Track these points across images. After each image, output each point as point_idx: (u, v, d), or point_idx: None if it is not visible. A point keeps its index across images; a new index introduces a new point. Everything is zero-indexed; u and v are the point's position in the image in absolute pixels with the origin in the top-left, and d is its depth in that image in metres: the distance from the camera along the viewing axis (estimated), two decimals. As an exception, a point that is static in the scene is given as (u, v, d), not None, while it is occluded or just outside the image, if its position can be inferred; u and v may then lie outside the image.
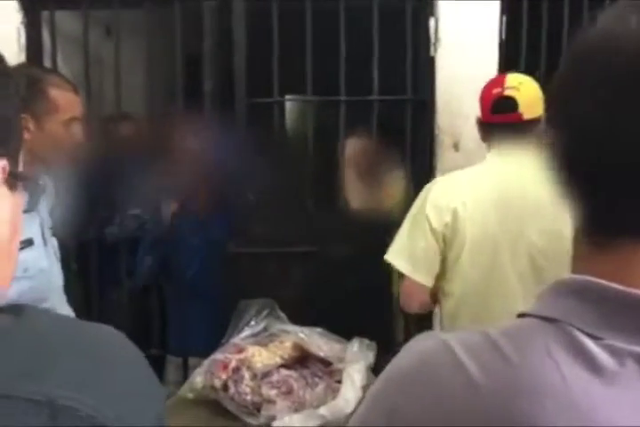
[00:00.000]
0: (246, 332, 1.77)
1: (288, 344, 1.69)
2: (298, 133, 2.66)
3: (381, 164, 2.67)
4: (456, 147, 2.59)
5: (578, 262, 0.57)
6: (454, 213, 1.82)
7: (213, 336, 2.65)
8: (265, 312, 1.80)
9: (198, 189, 2.75)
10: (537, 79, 1.94)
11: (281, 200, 2.71)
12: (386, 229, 2.63)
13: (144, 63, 2.70)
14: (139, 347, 0.58)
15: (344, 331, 2.57)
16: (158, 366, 2.80)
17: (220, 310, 2.62)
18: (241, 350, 1.71)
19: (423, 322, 2.48)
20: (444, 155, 2.61)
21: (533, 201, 1.81)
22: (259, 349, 1.68)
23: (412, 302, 1.93)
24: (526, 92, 1.87)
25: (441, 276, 1.89)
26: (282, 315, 1.85)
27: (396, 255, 1.90)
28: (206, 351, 2.70)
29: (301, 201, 2.73)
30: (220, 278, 2.71)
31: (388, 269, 2.59)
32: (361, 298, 2.59)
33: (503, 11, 2.54)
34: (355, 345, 1.66)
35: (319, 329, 1.76)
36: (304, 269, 2.65)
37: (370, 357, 1.66)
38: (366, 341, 1.73)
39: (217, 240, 2.71)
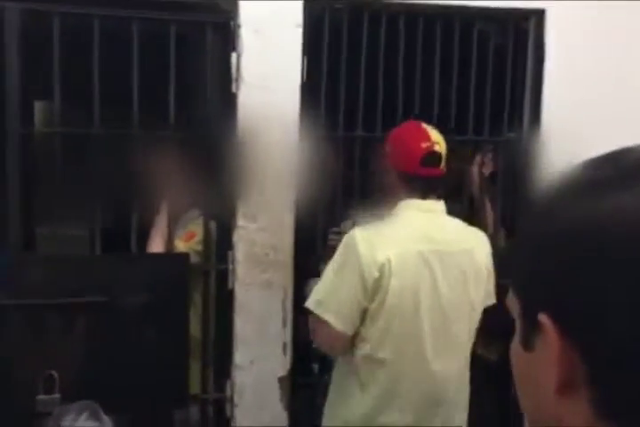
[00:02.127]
0: (59, 442, 1.28)
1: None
2: (81, 167, 2.13)
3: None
4: (259, 186, 2.27)
5: None
6: (381, 268, 1.76)
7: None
8: (83, 417, 1.33)
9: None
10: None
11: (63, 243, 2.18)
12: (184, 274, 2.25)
13: None
14: None
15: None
16: None
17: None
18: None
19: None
20: (245, 196, 2.28)
21: (442, 254, 1.83)
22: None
23: (337, 349, 1.89)
24: (443, 147, 1.89)
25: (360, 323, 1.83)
26: (105, 418, 1.39)
27: (320, 306, 1.81)
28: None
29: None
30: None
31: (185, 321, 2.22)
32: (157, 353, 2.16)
33: (304, 51, 2.29)
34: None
35: None
36: (90, 321, 2.13)
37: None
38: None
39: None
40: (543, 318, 0.47)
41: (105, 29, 2.10)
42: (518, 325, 0.52)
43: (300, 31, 2.27)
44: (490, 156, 2.61)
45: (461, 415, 1.98)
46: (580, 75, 2.51)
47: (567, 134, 2.46)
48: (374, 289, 1.78)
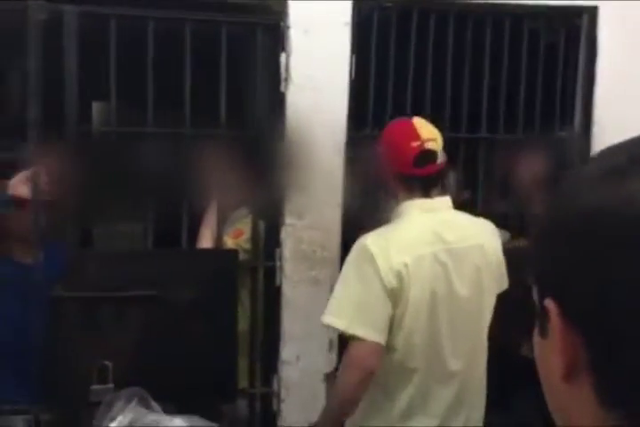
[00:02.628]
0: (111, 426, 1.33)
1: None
2: (136, 166, 2.20)
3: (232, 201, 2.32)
4: (307, 184, 2.30)
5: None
6: (399, 276, 1.73)
7: (29, 391, 2.16)
8: (134, 402, 1.38)
9: (19, 227, 2.18)
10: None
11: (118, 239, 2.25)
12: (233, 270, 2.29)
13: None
14: None
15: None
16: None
17: (43, 362, 2.12)
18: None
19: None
20: (293, 194, 2.31)
21: (454, 252, 1.79)
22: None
23: (375, 364, 1.74)
24: (438, 141, 1.84)
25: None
26: (154, 404, 1.43)
27: (347, 321, 1.73)
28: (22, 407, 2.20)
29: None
30: (44, 325, 2.17)
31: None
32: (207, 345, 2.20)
33: (352, 50, 2.31)
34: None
35: (195, 418, 1.38)
36: (142, 314, 2.19)
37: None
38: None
39: (40, 282, 2.16)
40: (549, 302, 0.48)
41: (159, 31, 2.16)
42: (538, 312, 0.52)
43: (348, 30, 2.29)
44: (538, 155, 2.57)
45: (480, 415, 1.95)
46: (634, 72, 2.45)
47: (619, 132, 2.41)
48: (396, 297, 1.74)
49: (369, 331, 1.73)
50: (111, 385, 2.17)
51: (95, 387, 2.17)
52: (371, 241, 1.78)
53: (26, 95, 2.10)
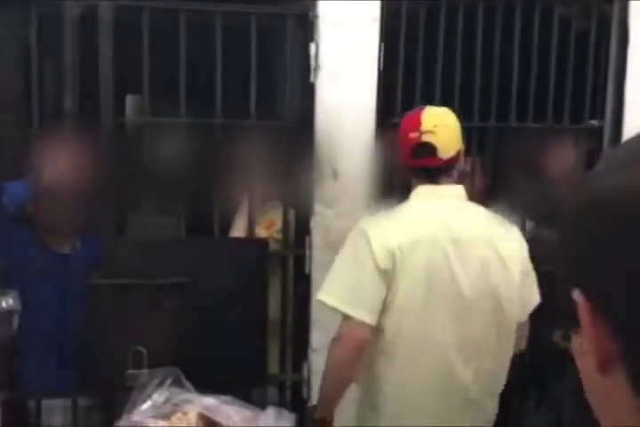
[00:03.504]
0: (146, 405, 1.38)
1: (192, 415, 1.33)
2: (169, 157, 2.24)
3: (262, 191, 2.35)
4: (335, 175, 2.32)
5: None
6: (393, 255, 1.70)
7: (69, 376, 2.22)
8: (168, 382, 1.42)
9: (56, 216, 2.24)
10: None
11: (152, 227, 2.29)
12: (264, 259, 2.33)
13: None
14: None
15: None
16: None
17: (81, 348, 2.18)
18: (141, 427, 1.32)
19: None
20: (322, 183, 2.33)
21: (459, 241, 1.75)
22: (160, 422, 1.30)
23: (364, 347, 1.75)
24: (442, 134, 1.78)
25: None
26: (187, 384, 1.48)
27: (338, 299, 1.75)
28: (62, 392, 2.26)
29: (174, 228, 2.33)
30: (82, 312, 2.24)
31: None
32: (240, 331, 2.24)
33: (381, 40, 2.32)
34: (270, 415, 1.33)
35: (227, 397, 1.42)
36: (176, 301, 2.24)
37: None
38: (284, 411, 1.40)
39: (78, 271, 2.23)
40: (577, 295, 0.47)
41: (190, 23, 2.19)
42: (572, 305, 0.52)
43: (377, 21, 2.30)
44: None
45: (488, 417, 1.88)
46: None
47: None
48: (389, 278, 1.73)
49: (359, 310, 1.73)
50: (145, 370, 2.22)
51: (130, 372, 2.22)
52: (369, 223, 1.80)
53: (62, 87, 2.15)
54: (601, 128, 2.57)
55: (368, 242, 1.73)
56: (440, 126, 1.79)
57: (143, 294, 2.21)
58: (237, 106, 2.27)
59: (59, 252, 2.31)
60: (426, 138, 1.77)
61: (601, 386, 0.47)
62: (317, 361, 2.39)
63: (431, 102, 2.41)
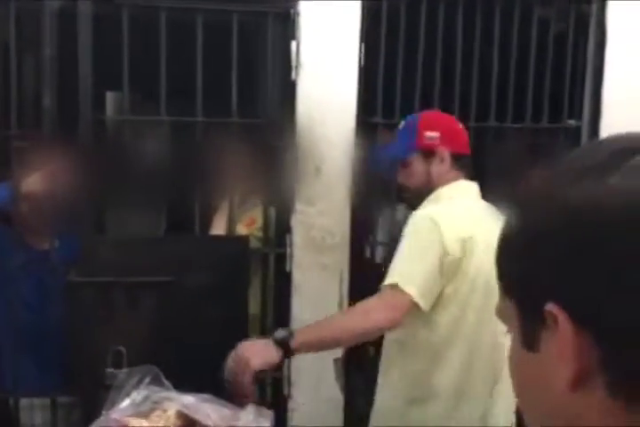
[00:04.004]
0: (125, 403, 1.37)
1: (171, 413, 1.33)
2: (149, 154, 2.23)
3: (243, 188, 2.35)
4: (316, 173, 2.33)
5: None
6: (464, 244, 1.72)
7: (49, 375, 2.21)
8: (147, 380, 1.42)
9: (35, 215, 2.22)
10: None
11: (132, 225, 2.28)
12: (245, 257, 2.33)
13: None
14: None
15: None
16: None
17: (60, 346, 2.17)
18: (120, 425, 1.32)
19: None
20: (304, 181, 2.34)
21: (490, 238, 1.71)
22: (139, 420, 1.30)
23: (398, 316, 1.68)
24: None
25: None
26: (166, 382, 1.47)
27: (402, 278, 1.68)
28: (41, 390, 2.25)
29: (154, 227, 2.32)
30: (61, 310, 2.22)
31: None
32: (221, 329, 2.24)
33: (362, 38, 2.33)
34: (250, 413, 1.33)
35: (206, 395, 1.42)
36: (156, 300, 2.23)
37: (266, 425, 1.34)
38: (264, 409, 1.40)
39: (57, 268, 2.21)
40: (552, 307, 0.45)
41: (171, 20, 2.19)
42: (516, 328, 0.50)
43: (358, 18, 2.31)
44: None
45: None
46: (643, 60, 2.46)
47: (628, 121, 2.42)
48: (455, 269, 1.71)
49: (416, 291, 1.67)
50: (125, 369, 2.22)
51: (110, 371, 2.21)
52: (432, 212, 1.78)
53: (41, 85, 2.13)
54: (579, 128, 2.60)
55: (437, 229, 1.70)
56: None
57: (123, 293, 2.19)
58: (219, 104, 2.27)
59: (38, 249, 2.29)
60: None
61: (571, 405, 0.45)
62: (298, 358, 2.40)
63: (411, 101, 2.43)
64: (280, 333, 1.66)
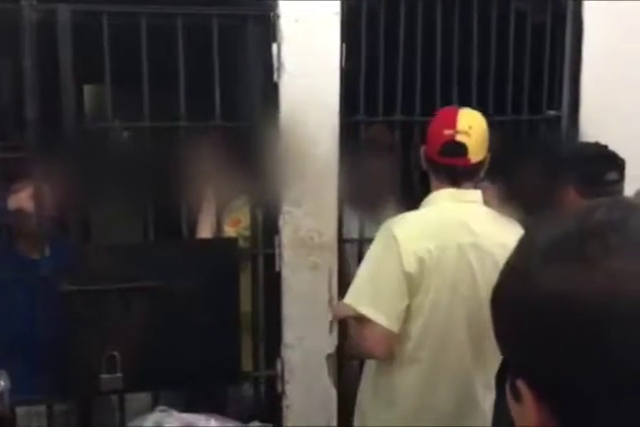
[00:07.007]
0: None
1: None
2: (134, 160, 2.27)
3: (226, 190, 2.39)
4: (303, 172, 2.38)
5: None
6: (421, 262, 1.69)
7: (43, 382, 2.24)
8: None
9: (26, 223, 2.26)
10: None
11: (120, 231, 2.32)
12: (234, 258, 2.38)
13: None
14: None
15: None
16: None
17: (54, 354, 2.21)
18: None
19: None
20: (290, 182, 2.39)
21: (478, 246, 1.76)
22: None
23: (386, 351, 1.77)
24: (475, 136, 1.79)
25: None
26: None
27: (360, 300, 1.74)
28: (35, 398, 2.29)
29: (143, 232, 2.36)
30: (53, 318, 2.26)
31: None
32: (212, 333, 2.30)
33: (342, 38, 2.37)
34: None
35: (228, 419, 1.48)
36: (148, 304, 2.28)
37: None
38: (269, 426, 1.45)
39: (48, 276, 2.25)
40: (520, 383, 0.52)
41: (151, 26, 2.21)
42: (508, 375, 0.56)
43: (338, 19, 2.34)
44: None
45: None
46: (619, 52, 2.53)
47: (606, 112, 2.50)
48: (417, 284, 1.73)
49: (385, 318, 1.73)
50: (119, 375, 2.27)
51: (104, 376, 2.27)
52: (396, 225, 1.78)
53: (22, 94, 2.15)
54: (559, 118, 2.67)
55: (396, 245, 1.71)
56: (475, 128, 1.80)
57: (115, 299, 2.24)
58: (202, 107, 2.30)
59: (28, 257, 2.33)
60: (459, 137, 1.78)
61: None
62: (290, 356, 2.47)
63: (393, 99, 2.48)
64: None
